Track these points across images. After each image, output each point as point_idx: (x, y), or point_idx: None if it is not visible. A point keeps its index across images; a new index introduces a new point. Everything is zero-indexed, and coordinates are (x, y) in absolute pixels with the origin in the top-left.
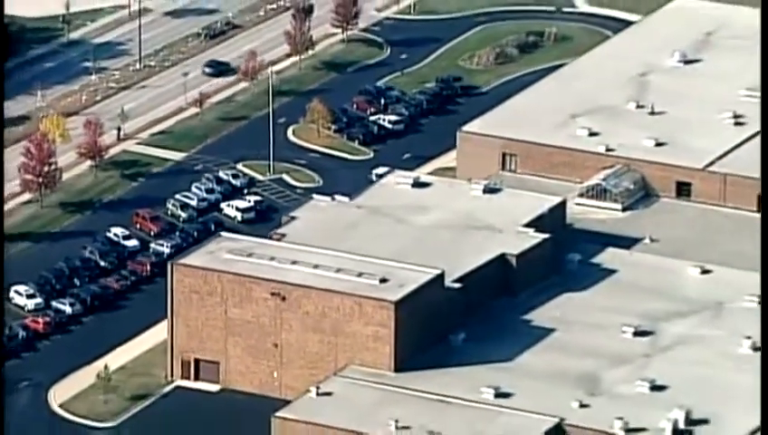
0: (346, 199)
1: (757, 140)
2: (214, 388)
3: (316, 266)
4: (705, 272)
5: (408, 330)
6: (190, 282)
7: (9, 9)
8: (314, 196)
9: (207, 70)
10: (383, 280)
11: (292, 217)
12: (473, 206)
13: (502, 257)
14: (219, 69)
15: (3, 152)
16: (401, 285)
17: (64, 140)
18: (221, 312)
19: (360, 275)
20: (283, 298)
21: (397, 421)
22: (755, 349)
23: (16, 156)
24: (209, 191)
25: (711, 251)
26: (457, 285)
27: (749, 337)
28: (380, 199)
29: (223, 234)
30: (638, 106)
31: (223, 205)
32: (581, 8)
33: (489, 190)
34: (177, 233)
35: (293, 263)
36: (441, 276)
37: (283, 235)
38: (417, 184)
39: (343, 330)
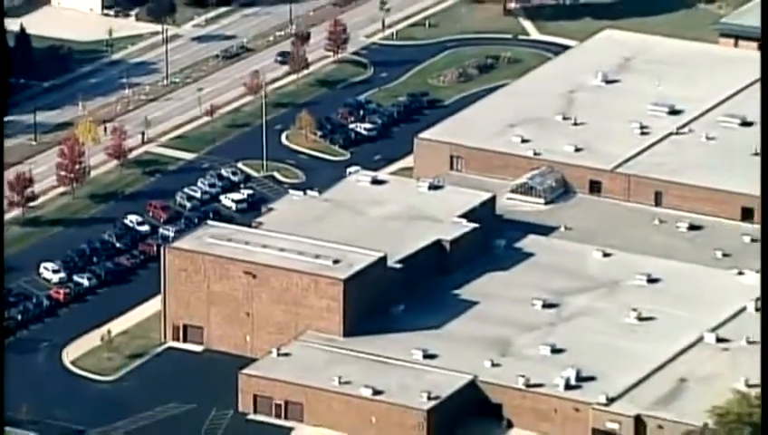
0: (316, 194)
1: (658, 147)
2: (198, 348)
3: (282, 250)
4: (606, 255)
5: (355, 303)
6: (179, 262)
7: (63, 34)
8: (290, 191)
9: (279, 59)
10: (336, 261)
11: (270, 209)
12: (419, 200)
13: (438, 243)
14: (285, 59)
15: (2, 153)
16: (350, 266)
17: (95, 143)
18: (204, 287)
19: (317, 257)
20: (254, 276)
21: (340, 377)
22: (640, 319)
23: (54, 156)
24: (211, 186)
25: (614, 238)
26: (399, 266)
27: (635, 309)
28: (344, 194)
29: (209, 222)
30: (565, 118)
31: (222, 197)
32: (533, 36)
33: (433, 187)
34: (182, 220)
35: (264, 247)
36: (384, 258)
37: (261, 223)
38: (375, 181)
39: (302, 302)
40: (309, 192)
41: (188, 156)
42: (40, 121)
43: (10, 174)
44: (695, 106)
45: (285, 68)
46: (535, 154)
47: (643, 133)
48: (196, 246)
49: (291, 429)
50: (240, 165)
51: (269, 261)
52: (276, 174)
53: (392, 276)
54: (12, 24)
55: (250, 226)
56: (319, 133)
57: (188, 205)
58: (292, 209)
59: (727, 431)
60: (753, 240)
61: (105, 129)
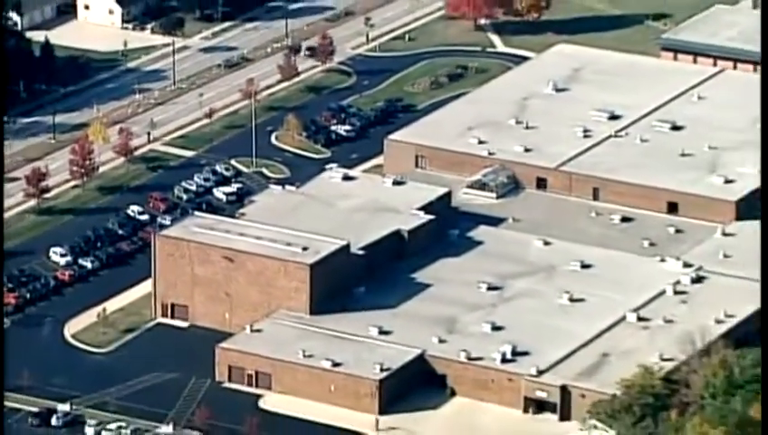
0: (293, 188)
1: (597, 148)
2: (184, 324)
3: (258, 238)
4: (546, 244)
5: (320, 285)
6: (168, 248)
7: (86, 44)
8: (271, 185)
9: (307, 53)
10: (305, 248)
11: (252, 201)
12: (383, 194)
13: (397, 232)
14: (314, 52)
15: (3, 153)
16: (317, 252)
17: (105, 142)
18: (189, 270)
19: (288, 244)
20: (232, 261)
21: (304, 351)
22: (572, 300)
23: (68, 153)
24: (206, 180)
25: (555, 229)
26: (361, 252)
27: (568, 292)
28: (318, 189)
29: (196, 213)
30: (517, 122)
31: (215, 190)
32: (499, 48)
33: (396, 183)
34: (178, 210)
35: (241, 235)
36: (347, 246)
37: (243, 214)
38: (346, 178)
39: (274, 284)
40: (287, 186)
41: (188, 153)
42: (59, 122)
43: (27, 169)
44: (632, 112)
45: (278, 76)
46: (489, 154)
47: (585, 136)
48: (183, 234)
49: (260, 396)
50: (233, 162)
51: (245, 248)
52: (264, 170)
53: (354, 262)
54: (39, 36)
55: (234, 216)
56: (304, 134)
57: (185, 197)
58: (271, 202)
59: (630, 400)
60: (676, 231)
61: (121, 129)
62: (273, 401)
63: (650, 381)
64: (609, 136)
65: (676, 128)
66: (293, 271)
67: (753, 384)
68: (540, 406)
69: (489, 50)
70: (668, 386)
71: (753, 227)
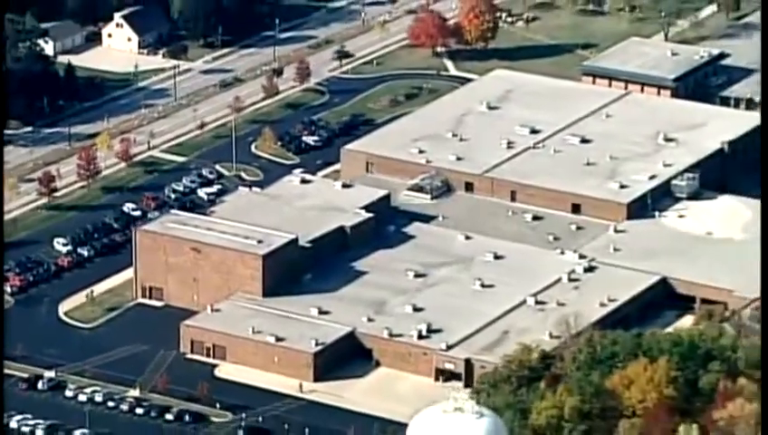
0: (258, 190)
1: (517, 158)
2: (159, 304)
3: (222, 232)
4: (467, 238)
5: (272, 272)
6: (146, 240)
7: (106, 67)
8: (239, 187)
9: (336, 55)
10: (260, 241)
11: (222, 201)
12: (333, 196)
13: (341, 228)
14: (344, 53)
15: (2, 154)
16: (269, 245)
17: (110, 149)
18: (163, 259)
19: (246, 238)
20: (199, 251)
21: (254, 328)
22: (483, 286)
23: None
24: (192, 182)
25: (477, 225)
26: (309, 245)
27: (480, 279)
28: (279, 191)
29: (172, 211)
30: (454, 135)
31: (199, 190)
32: (451, 72)
33: (345, 186)
34: (166, 208)
35: (208, 229)
36: (296, 239)
37: (214, 211)
38: (303, 181)
39: (233, 271)
40: (253, 188)
41: (181, 159)
42: (75, 132)
43: (40, 172)
44: (550, 127)
45: (262, 94)
46: (427, 162)
47: (509, 147)
48: (159, 229)
49: (216, 365)
50: (217, 166)
51: (210, 241)
52: (243, 173)
53: (302, 253)
54: (68, 60)
55: (207, 213)
56: (279, 143)
57: (173, 196)
58: (238, 201)
59: (509, 373)
60: (577, 228)
61: (122, 139)
62: (226, 370)
63: (528, 357)
64: (528, 148)
65: (584, 141)
66: (249, 260)
67: (611, 360)
68: (448, 376)
69: (443, 73)
70: (544, 361)
71: (641, 224)
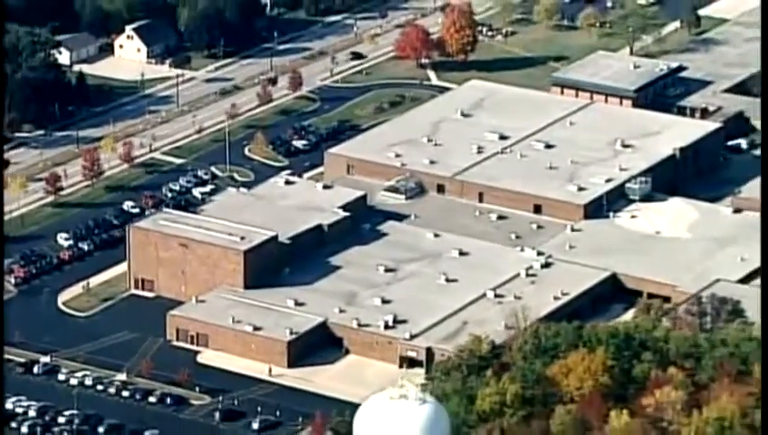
0: (245, 190)
1: (486, 162)
2: (151, 295)
3: (208, 229)
4: (436, 236)
5: (253, 267)
6: (139, 236)
7: (116, 75)
8: (228, 187)
9: (351, 56)
10: (242, 238)
11: (211, 200)
12: (313, 196)
13: (319, 226)
14: (357, 55)
15: (3, 154)
16: (251, 241)
17: (113, 152)
18: (154, 253)
19: (230, 234)
20: (186, 247)
21: (234, 317)
22: (447, 280)
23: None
24: (188, 182)
25: (446, 224)
26: (288, 241)
27: (445, 274)
28: (264, 191)
29: (165, 209)
30: (429, 140)
31: (193, 190)
32: (433, 82)
33: (325, 187)
34: (162, 206)
35: (196, 227)
36: (276, 236)
37: (203, 210)
38: (287, 182)
39: (218, 265)
40: (241, 189)
41: (179, 161)
42: (83, 136)
43: (47, 172)
44: (518, 134)
45: (257, 101)
46: (403, 165)
47: (479, 152)
48: (151, 226)
49: (198, 352)
50: (212, 168)
51: (197, 237)
52: (235, 175)
53: (281, 249)
54: (83, 69)
55: (196, 212)
56: (270, 147)
57: (170, 195)
58: (226, 201)
59: (460, 361)
60: (538, 227)
61: (125, 142)
62: (208, 357)
63: (478, 347)
64: (497, 152)
65: (549, 146)
66: (231, 256)
67: (554, 350)
68: (411, 363)
69: (425, 83)
70: (493, 351)
71: (596, 224)
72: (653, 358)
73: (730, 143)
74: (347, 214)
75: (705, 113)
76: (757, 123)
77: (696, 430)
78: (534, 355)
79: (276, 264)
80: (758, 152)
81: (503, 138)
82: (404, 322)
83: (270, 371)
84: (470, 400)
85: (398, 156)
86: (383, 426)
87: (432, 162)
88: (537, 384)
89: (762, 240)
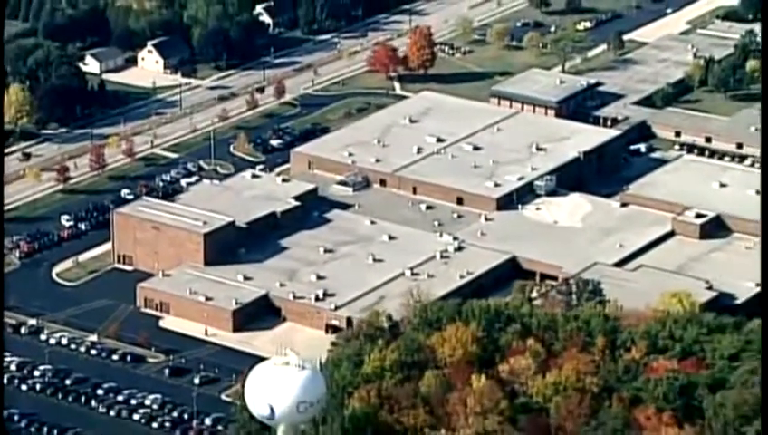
0: (218, 182)
1: (422, 161)
2: (130, 269)
3: (177, 215)
4: (372, 223)
5: (212, 247)
6: (121, 220)
7: (136, 82)
8: (204, 179)
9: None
10: (204, 222)
11: (188, 190)
12: (274, 188)
13: (273, 213)
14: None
15: (3, 155)
16: (211, 225)
17: (118, 147)
18: (133, 234)
19: (195, 219)
20: (158, 229)
21: (191, 289)
22: (374, 260)
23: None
24: (178, 173)
25: (383, 213)
26: (245, 226)
27: (374, 255)
28: (234, 184)
29: (144, 197)
30: (378, 142)
31: (182, 180)
32: (397, 92)
33: (284, 180)
34: (154, 193)
35: (167, 213)
36: (233, 221)
37: (180, 198)
38: (254, 176)
39: (184, 245)
40: (213, 180)
41: (174, 155)
42: (98, 133)
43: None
44: (453, 137)
45: (245, 106)
46: (353, 162)
47: (418, 152)
48: (130, 211)
49: (161, 317)
50: (201, 162)
51: (167, 221)
52: (218, 168)
53: (238, 232)
54: (108, 77)
55: (174, 200)
56: (251, 145)
57: (161, 184)
58: (200, 191)
59: (359, 331)
60: (458, 216)
61: (127, 139)
62: (168, 322)
63: (377, 319)
64: (432, 153)
65: (476, 148)
66: (194, 237)
67: (437, 323)
68: (335, 330)
69: (390, 93)
70: (389, 322)
71: (506, 215)
72: (517, 330)
73: (632, 147)
74: (298, 203)
75: (614, 122)
76: (657, 130)
77: (537, 391)
78: (421, 328)
79: (233, 245)
80: (655, 155)
81: (440, 140)
82: (332, 295)
83: (206, 331)
84: (357, 365)
85: (351, 155)
86: (268, 389)
87: (378, 160)
88: (417, 352)
89: (762, 240)
